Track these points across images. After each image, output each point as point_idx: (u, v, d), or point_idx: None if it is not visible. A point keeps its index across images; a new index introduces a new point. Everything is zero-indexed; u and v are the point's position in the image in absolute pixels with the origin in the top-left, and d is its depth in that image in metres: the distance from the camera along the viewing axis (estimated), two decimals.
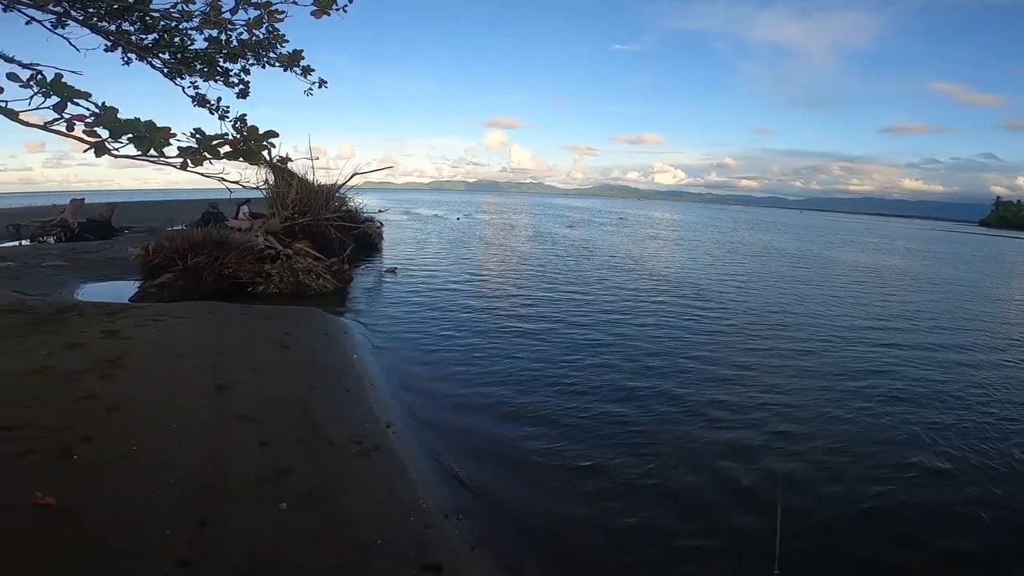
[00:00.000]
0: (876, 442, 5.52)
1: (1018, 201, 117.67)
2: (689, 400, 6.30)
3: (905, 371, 7.79)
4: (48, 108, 1.76)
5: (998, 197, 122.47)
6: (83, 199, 19.53)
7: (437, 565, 3.19)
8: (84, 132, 1.75)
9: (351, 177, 16.13)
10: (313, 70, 3.67)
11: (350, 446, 4.45)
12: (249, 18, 3.06)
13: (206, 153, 1.91)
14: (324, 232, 14.14)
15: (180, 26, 3.33)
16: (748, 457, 5.09)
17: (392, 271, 14.62)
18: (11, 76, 1.79)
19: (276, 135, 2.07)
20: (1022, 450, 5.51)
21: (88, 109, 1.75)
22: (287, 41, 3.50)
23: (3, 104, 1.75)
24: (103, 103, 1.76)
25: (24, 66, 2.31)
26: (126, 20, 3.36)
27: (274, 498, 3.48)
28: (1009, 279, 22.66)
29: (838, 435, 5.63)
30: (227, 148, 1.96)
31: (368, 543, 3.26)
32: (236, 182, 2.44)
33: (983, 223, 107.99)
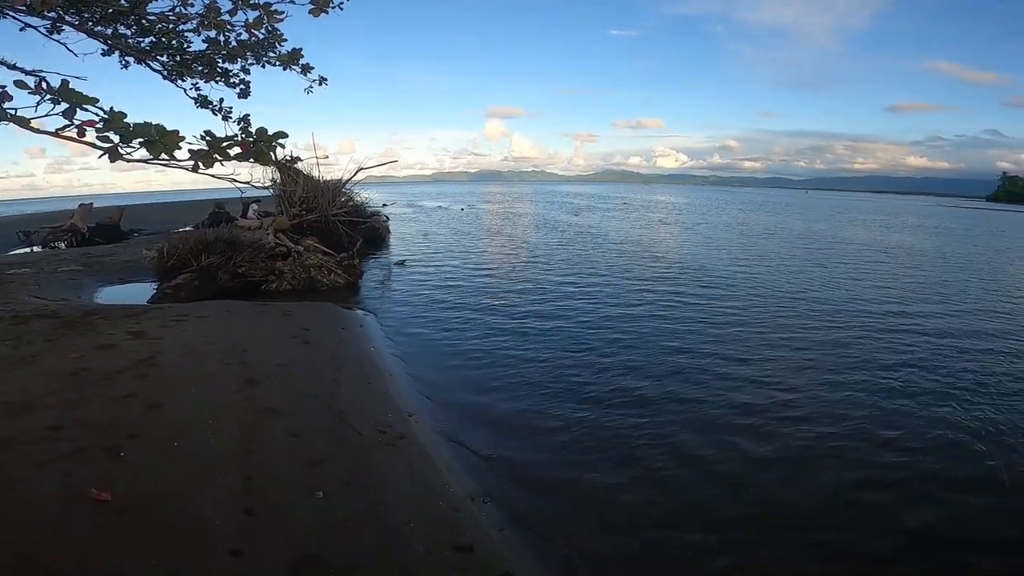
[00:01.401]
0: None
1: None
2: (708, 384, 6.33)
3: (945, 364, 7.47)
4: (56, 115, 1.75)
5: (1004, 172, 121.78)
6: (91, 204, 19.69)
7: (469, 545, 3.33)
8: (96, 138, 1.76)
9: (356, 173, 16.25)
10: (312, 68, 3.68)
11: (376, 435, 4.60)
12: (247, 19, 3.06)
13: (216, 155, 1.92)
14: (332, 228, 14.27)
15: (177, 28, 3.35)
16: (770, 438, 5.17)
17: (401, 264, 14.74)
18: (19, 83, 1.80)
19: (286, 136, 2.08)
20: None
21: (97, 114, 1.77)
22: (286, 40, 3.50)
23: (12, 112, 1.76)
24: (111, 108, 1.79)
25: (27, 73, 2.31)
26: (122, 24, 3.37)
27: (311, 487, 3.63)
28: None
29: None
30: (237, 149, 1.96)
31: (402, 527, 3.40)
32: (247, 182, 2.47)
33: (991, 198, 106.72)
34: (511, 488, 4.23)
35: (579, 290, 11.34)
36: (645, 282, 12.34)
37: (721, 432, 5.15)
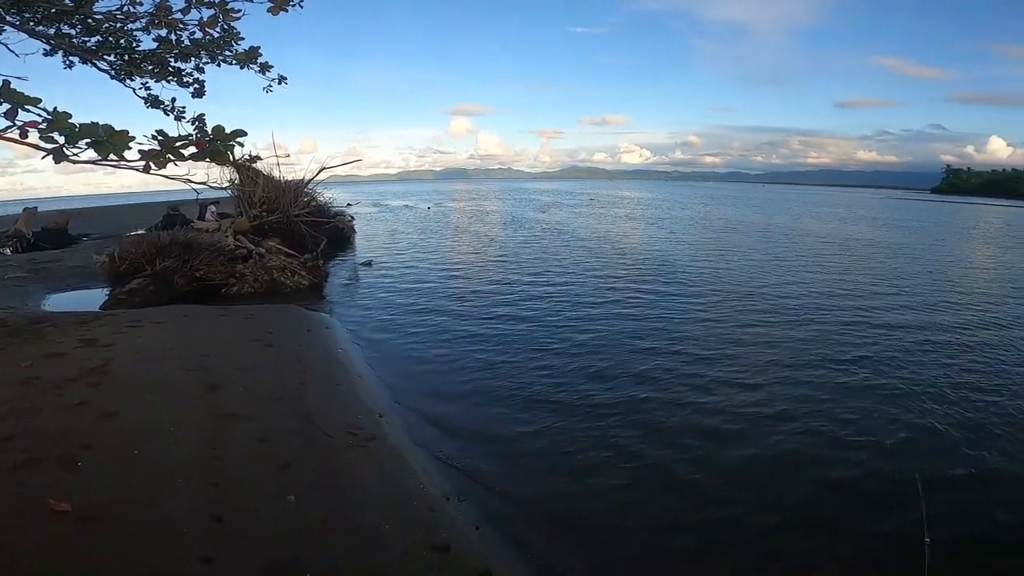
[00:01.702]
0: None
1: (968, 169, 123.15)
2: (670, 378, 6.41)
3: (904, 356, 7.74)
4: None
5: (948, 165, 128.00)
6: (36, 207, 18.68)
7: (446, 545, 3.30)
8: (40, 139, 1.69)
9: (318, 172, 15.91)
10: (272, 66, 3.57)
11: (347, 438, 4.51)
12: (202, 17, 2.97)
13: (169, 155, 1.86)
14: (295, 229, 13.97)
15: (126, 28, 3.21)
16: (740, 431, 5.31)
17: (367, 264, 14.54)
18: None
19: (244, 134, 2.01)
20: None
21: (40, 115, 1.71)
22: (243, 38, 3.38)
23: None
24: (55, 108, 1.72)
25: None
26: (66, 23, 3.21)
27: (282, 492, 3.54)
28: (969, 244, 23.65)
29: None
30: (192, 149, 1.91)
31: (378, 528, 3.35)
32: (203, 183, 2.40)
33: (936, 191, 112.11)
34: (485, 487, 4.22)
35: (547, 289, 11.37)
36: (612, 279, 12.43)
37: (688, 433, 5.15)
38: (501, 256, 16.07)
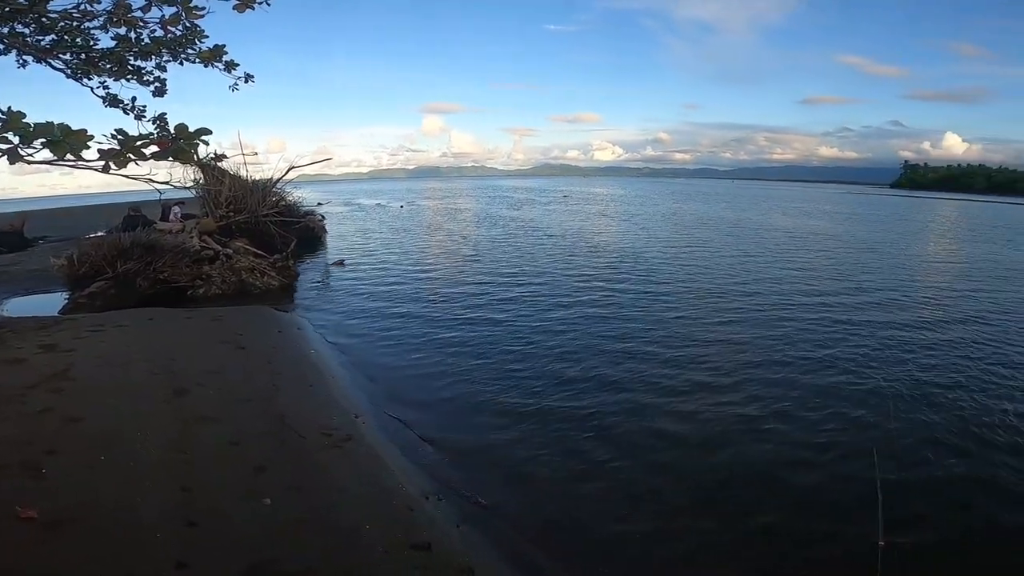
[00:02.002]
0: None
1: (925, 164, 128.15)
2: (644, 379, 6.40)
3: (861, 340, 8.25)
4: None
5: (906, 161, 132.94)
6: None
7: (427, 543, 3.29)
8: None
9: (287, 171, 15.64)
10: (238, 65, 3.50)
11: (322, 439, 4.46)
12: (163, 15, 2.88)
13: (130, 155, 1.80)
14: (263, 229, 13.71)
15: (82, 26, 3.10)
16: (691, 420, 5.42)
17: (339, 263, 14.35)
18: None
19: (209, 132, 1.96)
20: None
21: None
22: (207, 36, 3.33)
23: None
24: (9, 107, 1.68)
25: None
26: (19, 22, 3.09)
27: (256, 494, 3.48)
28: (929, 238, 24.51)
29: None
30: (154, 148, 1.86)
31: (357, 529, 3.32)
32: (166, 183, 2.35)
33: (894, 185, 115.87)
34: (465, 485, 4.21)
35: (521, 288, 11.34)
36: (586, 278, 12.44)
37: (662, 435, 5.13)
38: (475, 255, 16.03)
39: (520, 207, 37.57)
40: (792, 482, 4.38)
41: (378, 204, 42.58)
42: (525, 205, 39.74)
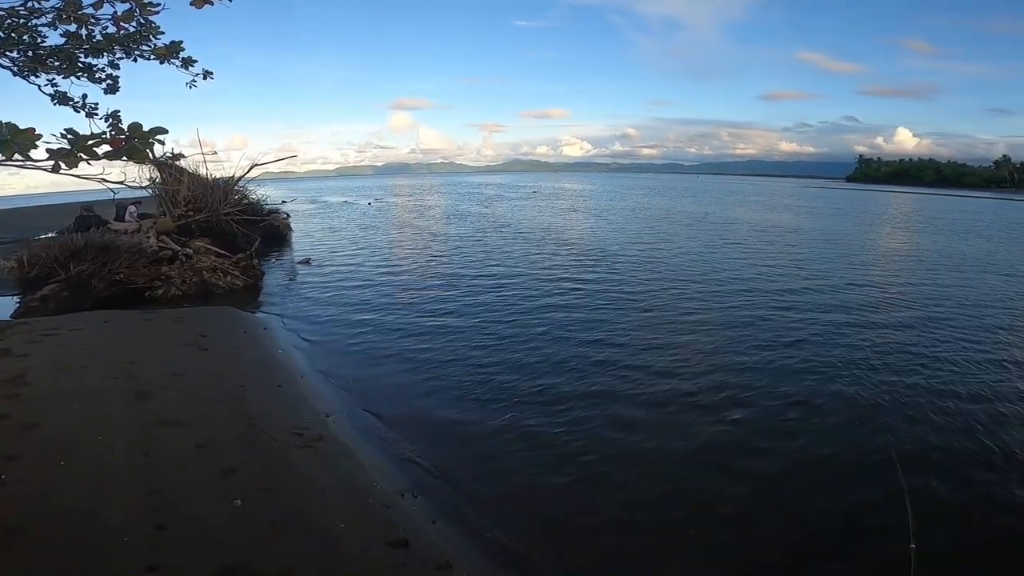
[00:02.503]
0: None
1: (878, 158, 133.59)
2: (617, 371, 6.43)
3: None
4: None
5: (860, 155, 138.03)
6: None
7: (403, 540, 3.28)
8: None
9: (250, 169, 15.24)
10: (195, 61, 3.40)
11: (293, 439, 4.39)
12: (116, 12, 2.80)
13: (82, 154, 1.74)
14: (225, 228, 13.34)
15: (29, 23, 2.98)
16: (656, 408, 5.53)
17: (306, 262, 14.08)
18: None
19: (165, 131, 1.90)
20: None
21: None
22: (163, 32, 3.24)
23: None
24: None
25: None
26: None
27: (227, 496, 3.41)
28: (884, 229, 25.60)
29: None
30: (107, 147, 1.79)
31: (333, 528, 3.29)
32: (120, 182, 2.29)
33: (850, 179, 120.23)
34: (439, 481, 4.21)
35: (491, 284, 11.32)
36: (556, 273, 12.49)
37: (633, 421, 5.22)
38: (444, 252, 15.94)
39: (489, 203, 37.47)
40: (754, 469, 4.46)
41: (345, 201, 41.85)
42: (495, 201, 39.69)
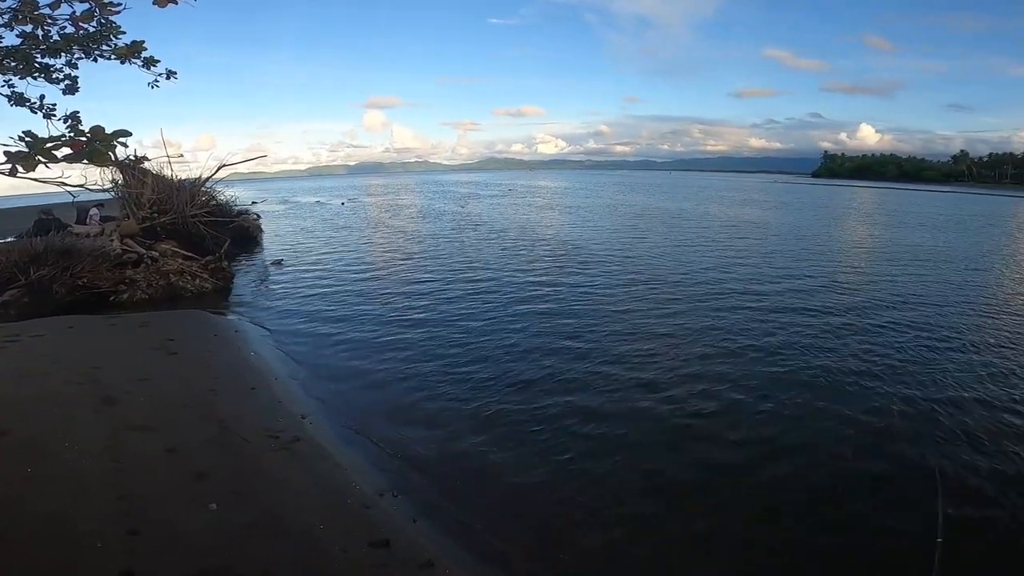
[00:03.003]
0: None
1: (842, 154, 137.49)
2: (592, 372, 6.39)
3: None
4: None
5: (825, 151, 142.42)
6: None
7: (384, 540, 3.27)
8: None
9: (217, 169, 14.94)
10: (158, 61, 3.36)
11: (268, 441, 4.33)
12: (74, 12, 2.74)
13: (40, 157, 1.71)
14: (192, 230, 13.06)
15: None
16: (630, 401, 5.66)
17: (278, 263, 13.86)
18: None
19: (128, 134, 1.87)
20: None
21: None
22: (124, 32, 3.20)
23: None
24: None
25: None
26: None
27: (200, 501, 3.35)
28: (851, 223, 26.47)
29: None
30: (66, 150, 1.76)
31: (312, 529, 3.26)
32: (80, 185, 2.25)
33: (815, 174, 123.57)
34: (418, 480, 4.20)
35: (465, 281, 11.30)
36: (531, 272, 12.43)
37: (608, 416, 5.25)
38: (418, 252, 15.82)
39: (464, 202, 37.31)
40: (727, 460, 4.54)
41: (318, 201, 41.21)
42: (469, 199, 39.56)
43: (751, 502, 4.03)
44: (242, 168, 16.85)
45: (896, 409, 5.42)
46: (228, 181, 16.55)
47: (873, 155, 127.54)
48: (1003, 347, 7.33)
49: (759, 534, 3.70)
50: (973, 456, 4.58)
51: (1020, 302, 10.19)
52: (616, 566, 3.40)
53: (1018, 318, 8.86)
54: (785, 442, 4.81)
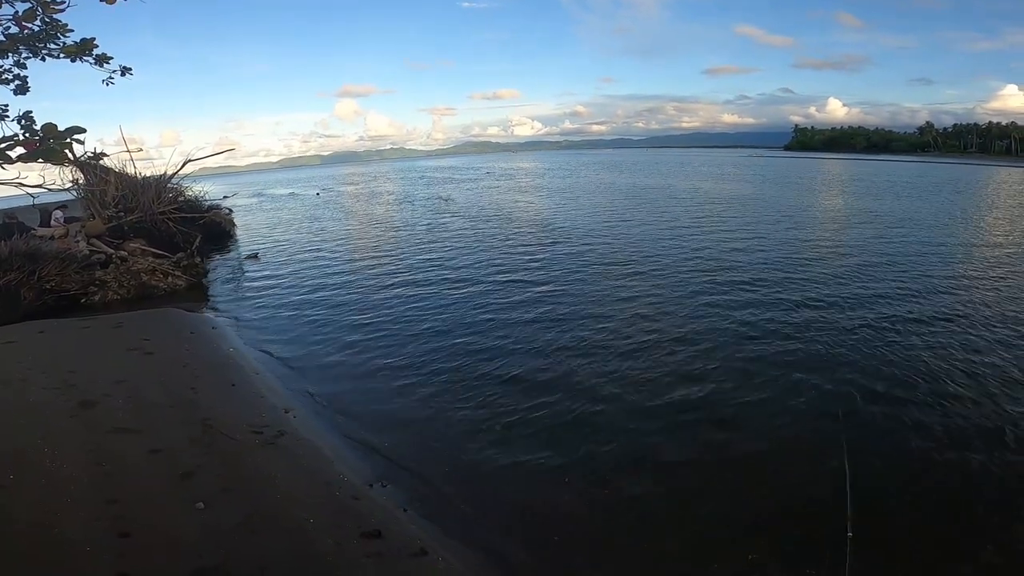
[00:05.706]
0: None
1: (812, 127, 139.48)
2: (571, 348, 6.55)
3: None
4: None
5: (796, 125, 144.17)
6: None
7: (376, 531, 3.28)
8: None
9: (183, 165, 14.56)
10: (111, 58, 3.28)
11: (252, 437, 4.31)
12: (16, 12, 2.67)
13: None
14: (161, 227, 12.75)
15: None
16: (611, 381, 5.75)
17: (253, 257, 13.64)
18: None
19: (83, 131, 1.84)
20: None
21: None
22: (71, 30, 3.12)
23: None
24: None
25: None
26: None
27: (188, 500, 3.34)
28: (825, 194, 27.06)
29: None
30: (20, 150, 1.74)
31: (303, 524, 3.27)
32: (39, 186, 2.20)
33: (787, 148, 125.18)
34: (406, 470, 4.21)
35: (447, 268, 11.24)
36: (515, 254, 12.39)
37: (594, 401, 5.26)
38: (396, 238, 15.69)
39: (442, 187, 36.90)
40: (710, 441, 4.60)
41: (292, 193, 40.39)
42: (447, 184, 39.22)
43: (728, 489, 4.03)
44: (211, 163, 16.53)
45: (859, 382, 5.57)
46: (197, 176, 16.16)
47: (843, 128, 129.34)
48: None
49: (732, 525, 3.73)
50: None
51: (986, 264, 10.59)
52: (603, 549, 3.44)
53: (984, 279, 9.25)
54: (769, 425, 4.85)
